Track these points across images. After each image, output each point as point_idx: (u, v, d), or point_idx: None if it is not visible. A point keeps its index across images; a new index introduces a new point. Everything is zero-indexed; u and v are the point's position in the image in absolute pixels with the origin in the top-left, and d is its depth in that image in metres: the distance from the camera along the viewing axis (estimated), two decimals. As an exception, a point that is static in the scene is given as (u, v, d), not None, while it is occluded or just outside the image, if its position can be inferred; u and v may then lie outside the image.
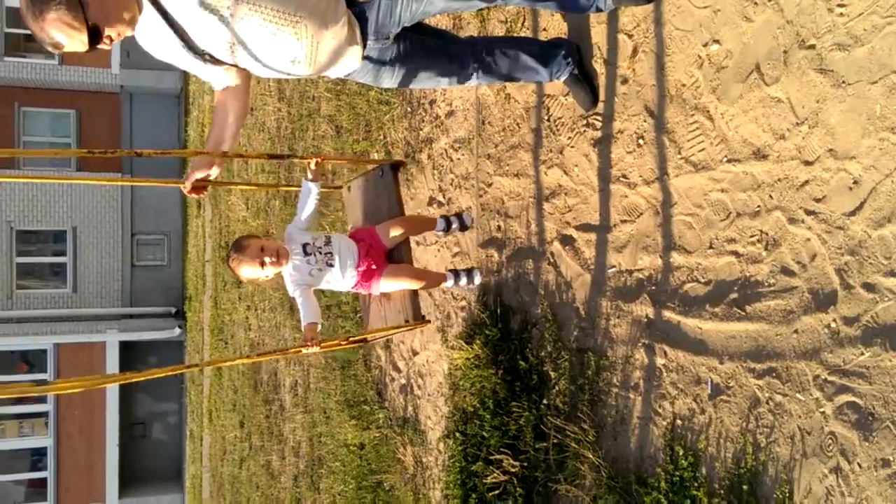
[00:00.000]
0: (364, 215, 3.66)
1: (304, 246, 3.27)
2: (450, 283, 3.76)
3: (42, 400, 16.31)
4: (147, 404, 18.29)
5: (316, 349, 3.04)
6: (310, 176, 3.28)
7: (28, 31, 2.27)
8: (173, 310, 17.65)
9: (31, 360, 16.68)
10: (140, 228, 17.93)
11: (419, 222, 3.81)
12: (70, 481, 16.44)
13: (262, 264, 3.12)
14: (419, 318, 3.38)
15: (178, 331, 16.89)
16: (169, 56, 2.53)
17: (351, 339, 3.44)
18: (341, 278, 3.34)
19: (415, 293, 3.42)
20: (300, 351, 3.06)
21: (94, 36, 2.21)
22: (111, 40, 2.28)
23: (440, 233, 3.87)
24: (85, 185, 16.91)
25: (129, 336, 16.87)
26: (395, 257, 3.47)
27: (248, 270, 3.15)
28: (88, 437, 16.33)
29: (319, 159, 3.27)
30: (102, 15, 2.20)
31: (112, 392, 16.42)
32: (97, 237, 17.30)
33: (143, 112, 18.59)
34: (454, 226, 3.84)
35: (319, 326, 3.16)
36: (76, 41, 2.21)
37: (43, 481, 16.44)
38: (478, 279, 3.85)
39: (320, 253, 3.28)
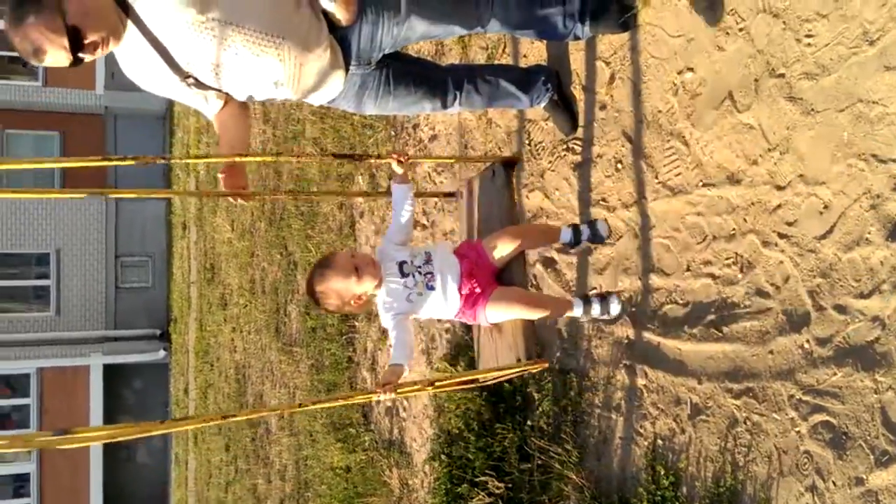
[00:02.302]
0: (476, 227, 3.12)
1: (401, 265, 2.73)
2: (578, 311, 2.87)
3: (24, 425, 16.13)
4: (131, 428, 18.11)
5: (390, 396, 2.48)
6: (399, 179, 2.83)
7: (11, 53, 2.30)
8: (158, 332, 17.54)
9: (13, 385, 16.51)
10: (124, 250, 17.85)
11: (537, 233, 3.13)
12: (53, 507, 16.23)
13: (357, 271, 2.61)
14: (533, 357, 2.72)
15: (162, 353, 16.79)
16: (154, 83, 2.56)
17: (453, 381, 2.83)
18: (444, 303, 2.75)
19: (530, 325, 2.79)
20: (370, 398, 2.58)
21: (76, 41, 2.21)
22: (94, 48, 2.28)
23: (566, 246, 3.06)
24: (68, 207, 16.83)
25: (113, 359, 16.75)
26: (506, 278, 2.87)
27: (339, 284, 2.62)
28: (72, 461, 16.14)
29: (404, 158, 2.81)
30: (81, 18, 2.21)
31: (96, 415, 16.27)
32: (81, 259, 17.21)
33: (127, 133, 18.57)
34: (584, 236, 2.97)
35: (407, 371, 2.60)
36: (57, 46, 2.21)
37: (26, 507, 16.23)
38: (616, 308, 2.89)
39: (419, 273, 2.73)
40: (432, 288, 2.72)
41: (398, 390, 2.49)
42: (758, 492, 2.39)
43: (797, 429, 2.27)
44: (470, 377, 2.89)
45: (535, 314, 2.76)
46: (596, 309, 2.87)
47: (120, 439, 2.17)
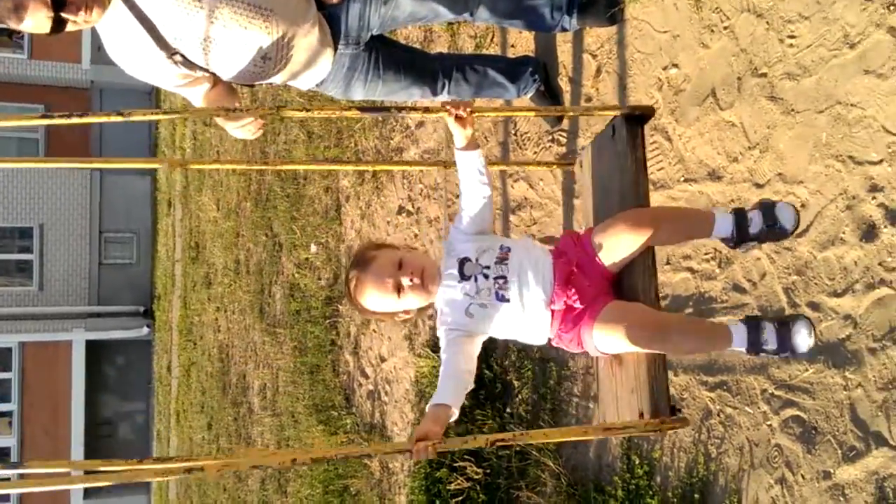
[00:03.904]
0: (593, 207, 2.25)
1: (462, 263, 1.99)
2: (739, 344, 1.87)
3: (6, 399, 16.08)
4: (114, 404, 18.09)
5: (430, 456, 1.75)
6: (460, 142, 2.03)
7: None
8: (142, 309, 17.48)
9: (-5, 359, 16.45)
10: (108, 226, 17.73)
11: (677, 221, 2.06)
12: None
13: (399, 289, 1.95)
14: (666, 413, 1.83)
15: (146, 330, 16.74)
16: (141, 66, 2.53)
17: (558, 435, 2.23)
18: (524, 321, 1.98)
19: (659, 361, 1.88)
20: (405, 451, 1.85)
21: (58, 2, 2.14)
22: (77, 9, 2.20)
23: (725, 242, 2.01)
24: (52, 182, 16.68)
25: (96, 335, 16.68)
26: (626, 287, 1.98)
27: (376, 298, 1.99)
28: (53, 437, 16.13)
29: (466, 110, 1.98)
30: None
31: (78, 391, 16.24)
32: (65, 234, 17.08)
33: (113, 108, 18.39)
34: (755, 229, 1.92)
35: (455, 415, 1.90)
36: (39, 3, 2.14)
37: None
38: (806, 341, 1.85)
39: (486, 276, 1.96)
40: (505, 299, 1.95)
41: (440, 447, 1.80)
42: (729, 483, 2.44)
43: (769, 422, 2.32)
44: (575, 432, 2.21)
45: (665, 345, 1.86)
46: (770, 342, 1.84)
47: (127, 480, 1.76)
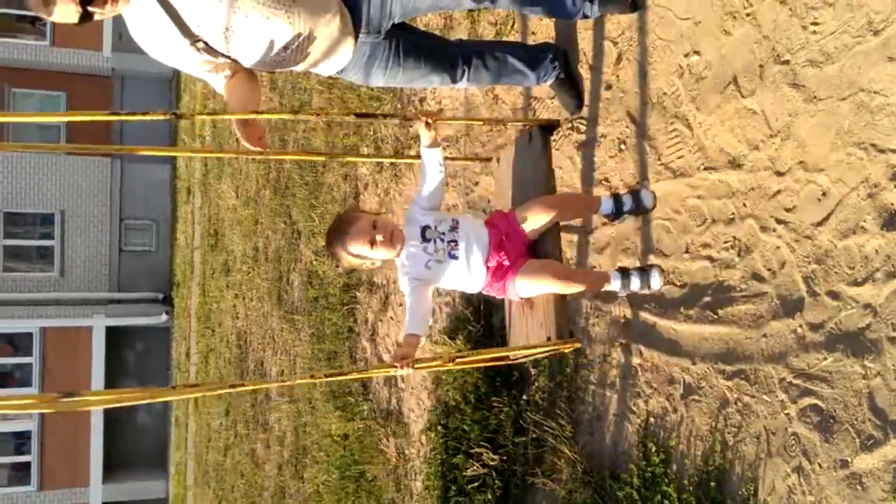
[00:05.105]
0: (512, 195, 2.94)
1: (424, 230, 2.62)
2: (616, 285, 2.74)
3: (27, 383, 16.29)
4: (133, 390, 18.31)
5: (408, 371, 2.38)
6: (426, 141, 2.64)
7: (20, 12, 2.27)
8: (160, 296, 17.63)
9: (16, 343, 16.65)
10: (129, 213, 17.88)
11: (573, 203, 2.97)
12: (54, 465, 16.43)
13: (373, 243, 2.52)
14: (565, 336, 2.57)
15: (164, 317, 16.89)
16: (162, 49, 2.56)
17: (481, 358, 2.74)
18: (467, 274, 2.64)
19: (562, 300, 2.63)
20: (388, 371, 2.50)
21: None
22: (104, 3, 2.25)
23: (606, 216, 2.93)
24: (73, 169, 16.83)
25: (115, 321, 16.85)
26: (539, 250, 2.72)
27: (355, 248, 2.55)
28: (73, 421, 16.31)
29: (432, 118, 2.62)
30: None
31: (97, 376, 16.42)
32: (85, 221, 17.25)
33: (134, 96, 18.50)
34: (627, 207, 2.84)
35: (423, 341, 2.55)
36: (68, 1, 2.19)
37: (26, 465, 16.43)
38: (657, 282, 2.76)
39: (442, 240, 2.61)
40: (455, 257, 2.60)
41: (416, 366, 2.39)
42: (745, 471, 2.44)
43: (786, 411, 2.31)
44: (497, 354, 2.77)
45: (568, 288, 2.61)
46: (635, 283, 2.74)
47: (120, 403, 2.19)
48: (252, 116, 2.60)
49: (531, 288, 2.61)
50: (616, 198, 2.84)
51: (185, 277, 14.77)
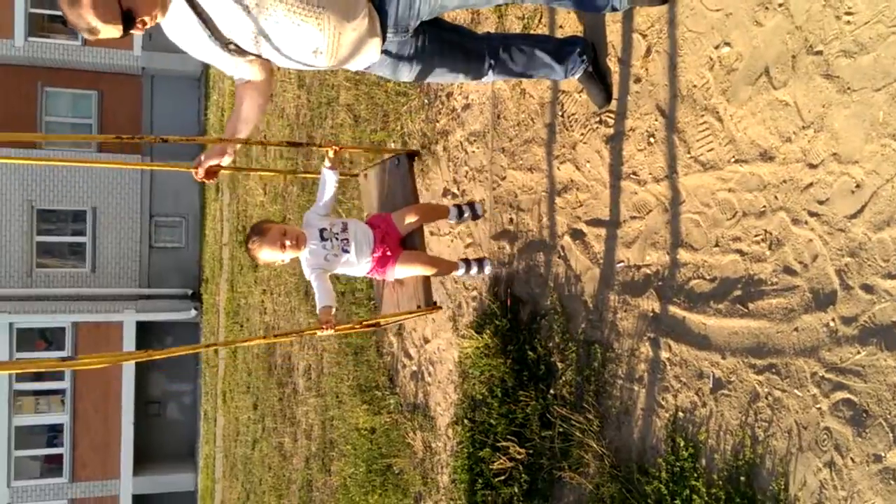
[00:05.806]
0: (379, 203, 3.76)
1: (322, 231, 3.35)
2: (461, 272, 3.85)
3: (59, 377, 16.57)
4: (162, 384, 18.53)
5: (330, 332, 3.11)
6: (328, 164, 3.36)
7: (52, 12, 2.41)
8: (190, 291, 17.82)
9: (49, 338, 16.94)
10: (158, 210, 18.10)
11: (432, 210, 3.91)
12: (86, 458, 16.71)
13: (283, 247, 3.22)
14: (430, 304, 3.47)
15: (194, 312, 17.08)
16: (195, 48, 2.62)
17: (364, 322, 3.52)
18: (357, 263, 3.42)
19: (427, 280, 3.50)
20: (315, 333, 3.15)
21: (128, 21, 2.35)
22: (144, 25, 2.40)
23: (452, 221, 3.96)
24: (105, 168, 17.08)
25: (146, 316, 17.08)
26: (408, 244, 3.55)
27: (268, 254, 3.25)
28: (104, 414, 16.59)
29: (338, 148, 3.37)
30: (135, 1, 2.34)
31: (128, 371, 16.66)
32: (116, 218, 17.48)
33: (164, 94, 18.72)
34: (466, 215, 3.92)
35: (334, 310, 3.24)
36: (111, 27, 2.35)
37: (59, 457, 16.72)
38: (488, 269, 3.97)
39: (336, 239, 3.36)
40: (347, 251, 3.38)
41: (336, 328, 3.15)
42: (776, 466, 2.42)
43: (818, 405, 2.29)
44: (372, 321, 3.59)
45: (430, 272, 3.51)
46: (474, 270, 3.90)
47: (113, 363, 2.67)
48: (237, 141, 2.92)
49: (406, 271, 3.48)
50: (459, 208, 3.92)
51: (214, 273, 14.92)
